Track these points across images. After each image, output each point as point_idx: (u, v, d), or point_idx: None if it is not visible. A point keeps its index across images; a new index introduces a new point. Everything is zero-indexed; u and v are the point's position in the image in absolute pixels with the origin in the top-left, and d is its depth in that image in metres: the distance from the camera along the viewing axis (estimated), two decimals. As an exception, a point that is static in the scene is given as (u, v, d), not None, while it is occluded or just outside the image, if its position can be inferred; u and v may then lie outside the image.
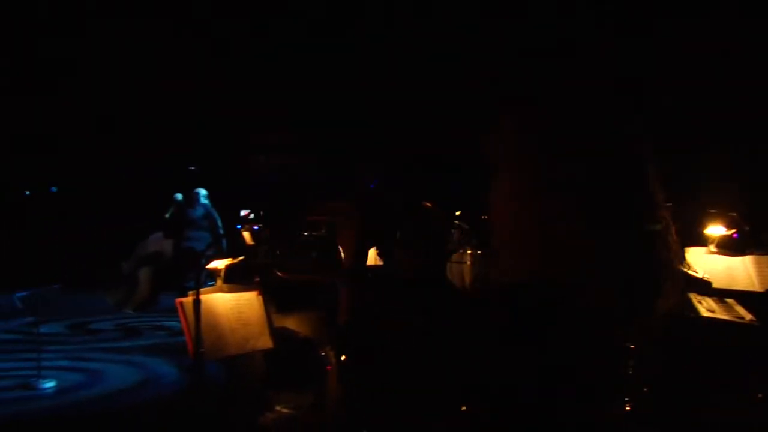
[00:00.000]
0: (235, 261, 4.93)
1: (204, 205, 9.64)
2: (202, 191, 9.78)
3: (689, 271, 4.28)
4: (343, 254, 1.64)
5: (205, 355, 3.77)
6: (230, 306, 4.27)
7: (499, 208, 1.49)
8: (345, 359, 1.53)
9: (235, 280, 5.61)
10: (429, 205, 1.91)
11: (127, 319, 10.15)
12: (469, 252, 8.67)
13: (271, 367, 5.62)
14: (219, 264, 4.40)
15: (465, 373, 1.37)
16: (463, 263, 8.89)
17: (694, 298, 4.16)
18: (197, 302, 3.52)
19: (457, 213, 9.13)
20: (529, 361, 1.33)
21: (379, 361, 1.46)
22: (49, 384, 6.87)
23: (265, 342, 4.44)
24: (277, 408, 5.45)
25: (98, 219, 13.70)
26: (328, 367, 5.41)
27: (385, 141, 13.58)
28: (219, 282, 4.39)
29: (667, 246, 1.47)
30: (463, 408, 1.43)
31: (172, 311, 10.76)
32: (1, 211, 13.52)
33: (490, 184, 1.49)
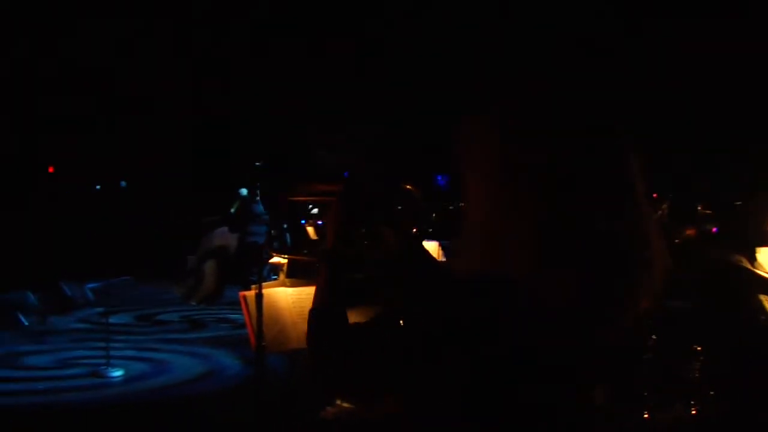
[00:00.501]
0: (298, 256, 5.01)
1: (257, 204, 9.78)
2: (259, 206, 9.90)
3: (760, 272, 4.15)
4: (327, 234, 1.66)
5: (266, 348, 3.80)
6: (292, 300, 4.29)
7: (471, 202, 1.50)
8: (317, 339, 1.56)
9: (297, 274, 5.68)
10: (409, 187, 1.86)
11: (192, 312, 10.33)
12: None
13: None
14: (282, 258, 4.46)
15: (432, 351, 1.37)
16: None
17: (766, 300, 4.03)
18: (259, 296, 3.53)
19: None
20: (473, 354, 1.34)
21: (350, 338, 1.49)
22: (117, 373, 7.04)
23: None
24: (338, 402, 5.47)
25: (166, 213, 14.01)
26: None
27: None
28: (281, 276, 4.45)
29: (646, 243, 1.46)
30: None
31: (236, 304, 10.95)
32: (74, 206, 13.93)
33: (463, 178, 1.51)
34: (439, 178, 21.81)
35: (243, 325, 9.26)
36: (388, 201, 1.77)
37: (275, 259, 4.55)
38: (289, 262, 4.85)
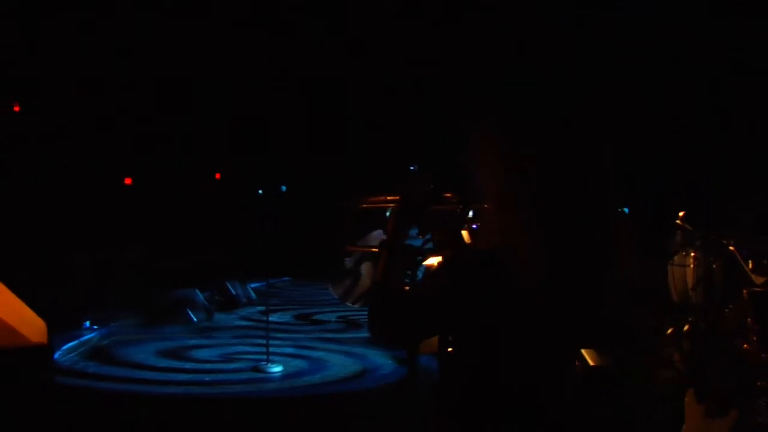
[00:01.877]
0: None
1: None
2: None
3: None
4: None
5: (420, 349, 3.82)
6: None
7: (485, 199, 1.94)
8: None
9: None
10: (448, 195, 2.37)
11: (348, 312, 10.55)
12: (693, 254, 8.19)
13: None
14: (434, 261, 4.47)
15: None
16: (686, 266, 8.42)
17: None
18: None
19: (681, 214, 8.68)
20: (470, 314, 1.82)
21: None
22: (277, 369, 7.28)
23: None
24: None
25: (324, 216, 14.34)
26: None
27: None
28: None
29: (610, 260, 1.89)
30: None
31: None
32: (237, 210, 14.55)
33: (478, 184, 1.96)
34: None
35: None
36: (432, 205, 2.21)
37: (429, 261, 4.54)
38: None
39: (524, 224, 1.82)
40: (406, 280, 2.39)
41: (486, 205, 1.97)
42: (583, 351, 5.38)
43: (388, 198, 2.37)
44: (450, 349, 2.02)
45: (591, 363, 5.26)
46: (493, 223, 1.90)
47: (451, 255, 1.95)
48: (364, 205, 2.50)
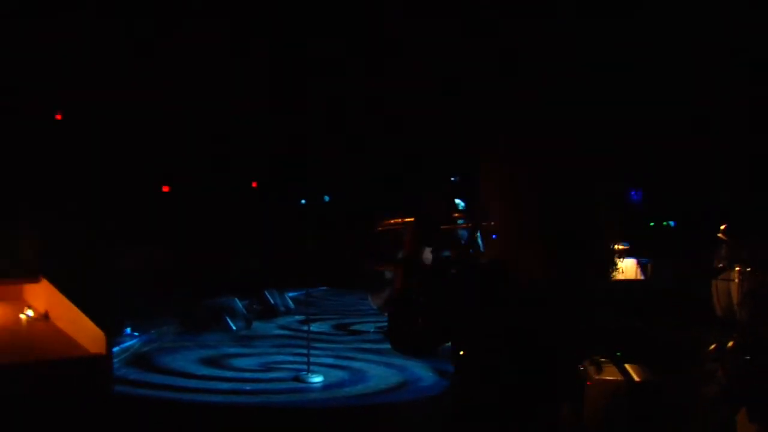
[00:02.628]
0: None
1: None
2: (460, 202, 9.93)
3: None
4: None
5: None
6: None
7: (492, 214, 2.18)
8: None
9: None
10: (457, 215, 2.58)
11: (387, 323, 10.52)
12: (737, 269, 8.06)
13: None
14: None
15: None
16: (731, 280, 8.28)
17: None
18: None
19: (722, 227, 8.56)
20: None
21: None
22: (317, 379, 7.29)
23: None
24: (533, 419, 5.37)
25: (363, 225, 14.35)
26: (588, 383, 5.26)
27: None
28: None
29: (603, 273, 2.16)
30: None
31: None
32: (276, 219, 14.63)
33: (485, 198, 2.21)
34: (633, 193, 21.09)
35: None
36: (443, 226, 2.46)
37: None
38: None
39: (525, 240, 2.06)
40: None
41: (492, 223, 2.20)
42: (627, 366, 5.34)
43: (404, 220, 2.49)
44: (461, 353, 2.18)
45: (636, 378, 5.20)
46: (497, 239, 2.15)
47: (459, 269, 2.28)
48: (380, 228, 2.60)
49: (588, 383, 5.22)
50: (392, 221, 2.50)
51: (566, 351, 2.14)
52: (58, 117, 12.69)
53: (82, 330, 2.93)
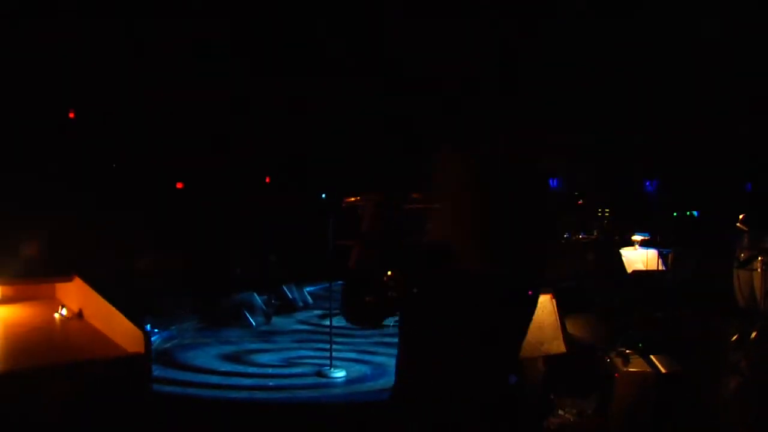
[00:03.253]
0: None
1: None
2: None
3: None
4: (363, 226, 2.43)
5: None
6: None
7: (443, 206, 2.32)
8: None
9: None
10: (416, 195, 2.57)
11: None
12: (759, 259, 8.01)
13: (553, 370, 5.54)
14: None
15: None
16: (753, 270, 8.23)
17: None
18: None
19: (741, 216, 8.51)
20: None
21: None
22: (340, 374, 7.29)
23: (559, 346, 4.38)
24: (561, 413, 5.36)
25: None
26: (616, 375, 5.24)
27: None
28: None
29: (550, 252, 2.39)
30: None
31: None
32: (292, 214, 14.63)
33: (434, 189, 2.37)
34: (648, 183, 20.99)
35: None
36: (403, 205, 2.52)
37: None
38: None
39: (472, 222, 2.23)
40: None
41: (439, 204, 2.35)
42: (653, 357, 5.32)
43: (361, 197, 2.58)
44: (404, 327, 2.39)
45: (663, 370, 5.18)
46: (446, 219, 2.31)
47: (406, 245, 2.42)
48: (342, 205, 2.69)
49: (616, 375, 5.20)
50: (352, 198, 2.59)
51: (507, 333, 2.37)
52: (71, 116, 12.74)
53: (119, 328, 2.92)
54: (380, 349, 8.53)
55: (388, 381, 7.20)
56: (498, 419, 2.31)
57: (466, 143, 2.30)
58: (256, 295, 10.23)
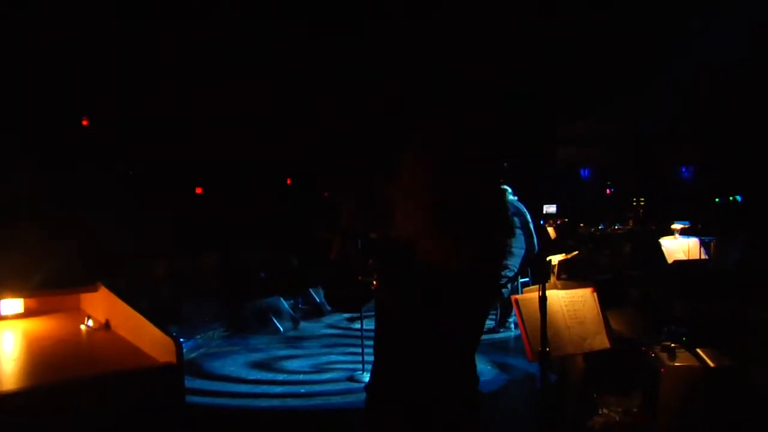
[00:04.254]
0: (569, 256, 4.88)
1: (511, 202, 9.63)
2: (507, 188, 9.77)
3: None
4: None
5: (545, 354, 3.71)
6: (565, 303, 4.20)
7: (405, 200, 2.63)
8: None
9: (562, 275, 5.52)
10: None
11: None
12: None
13: (594, 367, 5.46)
14: (553, 259, 4.37)
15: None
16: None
17: None
18: (543, 299, 3.45)
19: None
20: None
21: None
22: (373, 378, 7.22)
23: (602, 342, 4.32)
24: (604, 411, 5.28)
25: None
26: (662, 370, 5.15)
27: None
28: (552, 278, 4.36)
29: (504, 249, 2.76)
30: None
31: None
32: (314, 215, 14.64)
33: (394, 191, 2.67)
34: (684, 169, 20.77)
35: (491, 330, 9.27)
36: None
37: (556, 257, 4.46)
38: (559, 264, 4.75)
39: (429, 228, 2.51)
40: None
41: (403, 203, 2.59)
42: (700, 351, 5.23)
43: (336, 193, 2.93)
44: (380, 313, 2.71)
45: (712, 364, 5.09)
46: (408, 217, 2.58)
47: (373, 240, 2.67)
48: (319, 199, 3.17)
49: (662, 370, 5.11)
50: (326, 194, 3.16)
51: (470, 322, 2.76)
52: (85, 123, 12.82)
53: (148, 338, 2.90)
54: (413, 352, 8.48)
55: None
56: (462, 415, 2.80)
57: (434, 144, 2.53)
58: (282, 299, 10.21)
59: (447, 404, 2.80)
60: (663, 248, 7.94)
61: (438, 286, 2.57)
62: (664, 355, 5.21)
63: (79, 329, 3.36)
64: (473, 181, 2.60)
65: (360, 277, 2.61)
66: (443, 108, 2.65)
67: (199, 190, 16.89)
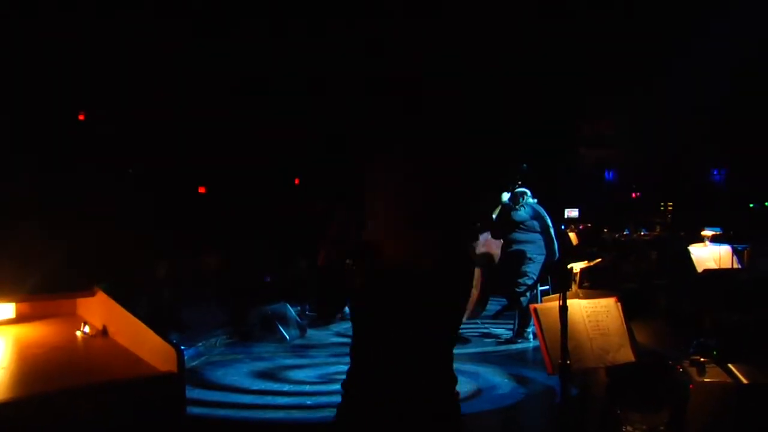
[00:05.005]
0: (592, 263, 4.86)
1: (531, 205, 9.60)
2: (526, 191, 9.74)
3: None
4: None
5: (569, 366, 3.68)
6: (587, 313, 4.18)
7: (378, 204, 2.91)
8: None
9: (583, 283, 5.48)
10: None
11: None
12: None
13: (618, 382, 5.43)
14: (575, 266, 4.34)
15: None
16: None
17: None
18: (564, 309, 3.42)
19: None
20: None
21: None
22: (384, 390, 7.20)
23: (626, 355, 4.29)
24: (628, 429, 5.25)
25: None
26: (691, 386, 5.12)
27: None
28: (574, 286, 4.33)
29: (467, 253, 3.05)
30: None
31: (502, 318, 10.87)
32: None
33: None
34: (715, 171, 20.59)
35: (509, 341, 9.25)
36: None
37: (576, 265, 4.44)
38: (581, 272, 4.72)
39: (403, 230, 2.78)
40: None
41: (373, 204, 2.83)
42: (732, 366, 5.19)
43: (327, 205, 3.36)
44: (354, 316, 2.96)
45: (744, 380, 5.06)
46: (378, 218, 2.84)
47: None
48: (310, 212, 3.37)
49: (690, 386, 5.07)
50: (319, 207, 3.38)
51: (442, 321, 2.96)
52: (81, 117, 12.90)
53: (148, 346, 2.90)
54: (426, 362, 8.46)
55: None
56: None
57: (404, 148, 2.77)
58: (288, 305, 10.21)
59: (423, 403, 3.01)
60: (692, 256, 7.88)
61: (407, 286, 2.80)
62: (693, 370, 5.17)
63: (75, 336, 3.36)
64: (440, 183, 2.84)
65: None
66: (412, 117, 2.86)
67: (202, 190, 16.95)
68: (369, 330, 2.96)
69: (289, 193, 16.96)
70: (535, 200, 9.76)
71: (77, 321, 3.45)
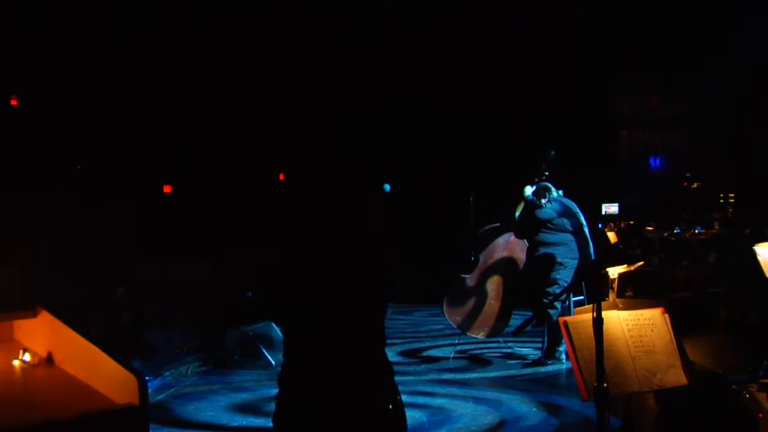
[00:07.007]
0: (633, 267, 4.82)
1: (558, 200, 9.47)
2: (549, 185, 9.59)
3: None
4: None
5: (603, 391, 3.67)
6: (628, 327, 4.17)
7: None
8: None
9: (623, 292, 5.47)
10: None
11: (470, 344, 10.55)
12: None
13: (669, 409, 5.43)
14: (612, 271, 4.33)
15: None
16: None
17: None
18: (599, 322, 3.40)
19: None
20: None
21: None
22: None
23: (677, 377, 4.27)
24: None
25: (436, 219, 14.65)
26: (760, 415, 5.09)
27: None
28: (612, 295, 4.31)
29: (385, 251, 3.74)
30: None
31: (528, 334, 10.91)
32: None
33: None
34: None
35: (537, 362, 9.28)
36: None
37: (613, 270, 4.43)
38: (619, 278, 4.70)
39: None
40: None
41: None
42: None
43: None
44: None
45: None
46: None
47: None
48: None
49: (760, 416, 5.05)
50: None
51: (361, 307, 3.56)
52: (14, 103, 13.02)
53: (103, 375, 2.90)
54: (438, 389, 8.48)
55: (451, 430, 7.15)
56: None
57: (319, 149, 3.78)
58: (274, 325, 10.19)
59: (356, 387, 3.60)
60: (759, 258, 7.84)
61: (314, 263, 3.53)
62: (762, 396, 5.15)
63: (12, 366, 3.37)
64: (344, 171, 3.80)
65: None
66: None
67: (167, 189, 16.96)
68: (293, 317, 3.59)
69: (274, 189, 17.01)
70: (561, 192, 9.57)
71: (15, 348, 3.44)
